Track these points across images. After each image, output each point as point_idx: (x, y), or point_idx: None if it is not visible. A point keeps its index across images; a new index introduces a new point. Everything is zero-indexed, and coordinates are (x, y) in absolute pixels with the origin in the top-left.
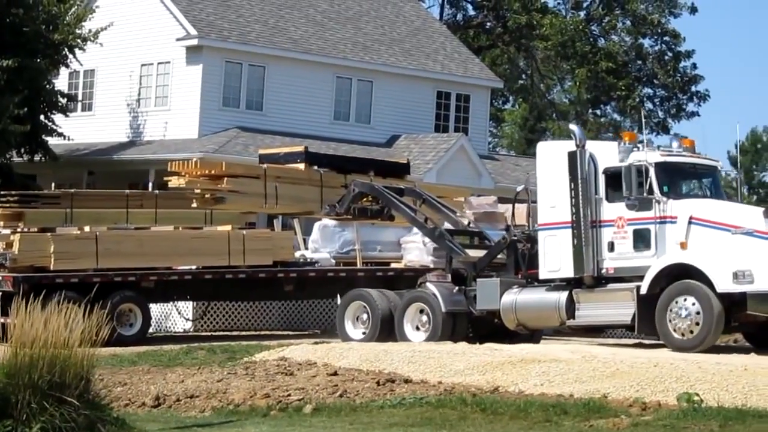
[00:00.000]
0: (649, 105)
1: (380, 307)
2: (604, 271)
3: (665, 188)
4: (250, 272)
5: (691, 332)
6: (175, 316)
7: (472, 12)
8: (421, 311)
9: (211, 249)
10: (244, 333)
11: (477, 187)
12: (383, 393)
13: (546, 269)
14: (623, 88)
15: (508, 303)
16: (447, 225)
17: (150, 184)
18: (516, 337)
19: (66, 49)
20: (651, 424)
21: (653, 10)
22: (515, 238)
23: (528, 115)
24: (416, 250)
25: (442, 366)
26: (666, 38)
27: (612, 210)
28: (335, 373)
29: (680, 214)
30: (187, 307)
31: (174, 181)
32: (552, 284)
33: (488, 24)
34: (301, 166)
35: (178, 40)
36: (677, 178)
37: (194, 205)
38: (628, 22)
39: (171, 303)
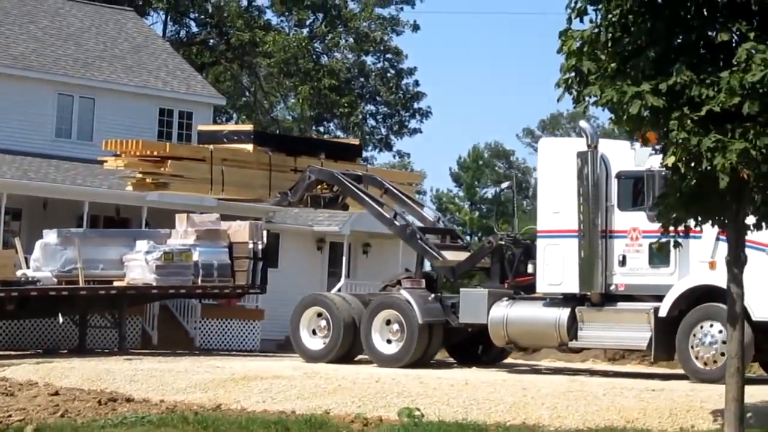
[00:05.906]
0: (372, 122)
1: (341, 314)
2: (612, 287)
3: None
4: None
5: (715, 362)
6: None
7: (195, 29)
8: (389, 322)
9: None
10: None
11: (200, 204)
12: (105, 412)
13: (545, 282)
14: (346, 105)
15: (498, 317)
16: (414, 221)
17: None
18: (489, 351)
19: None
20: None
21: (376, 27)
22: (501, 242)
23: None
24: (138, 267)
25: (164, 384)
26: (389, 55)
27: (625, 219)
28: (57, 393)
29: (706, 229)
30: None
31: (111, 163)
32: (549, 299)
33: (211, 41)
34: (249, 147)
35: None
36: None
37: (129, 188)
38: (351, 40)
39: None
